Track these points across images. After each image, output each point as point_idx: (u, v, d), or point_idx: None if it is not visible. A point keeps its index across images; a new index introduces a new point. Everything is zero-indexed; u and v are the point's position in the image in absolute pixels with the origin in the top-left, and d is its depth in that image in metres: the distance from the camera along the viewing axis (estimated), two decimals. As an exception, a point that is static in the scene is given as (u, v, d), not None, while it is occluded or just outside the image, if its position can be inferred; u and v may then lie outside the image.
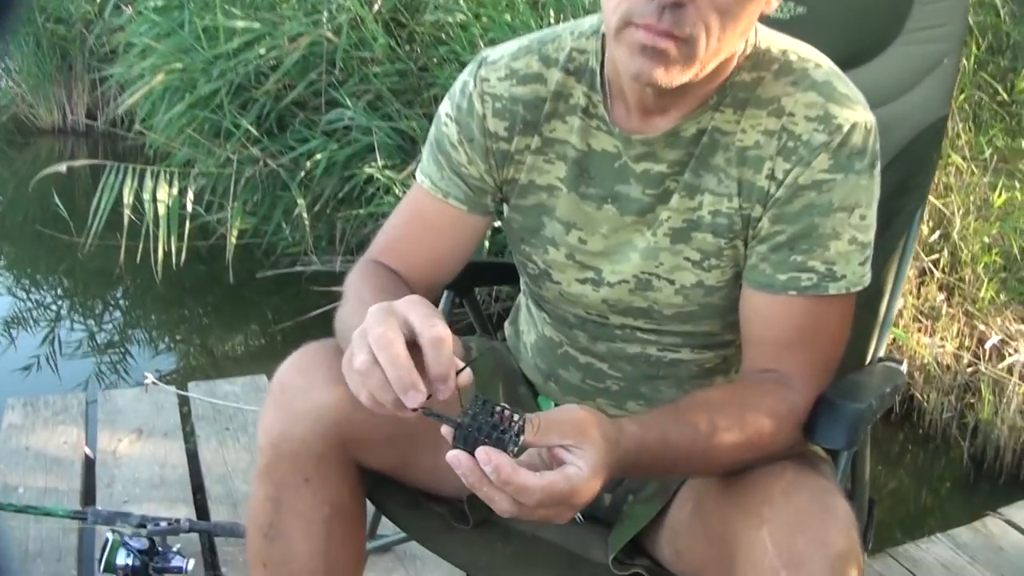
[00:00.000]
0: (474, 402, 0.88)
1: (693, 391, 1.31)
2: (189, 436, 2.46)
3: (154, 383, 2.65)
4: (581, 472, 0.88)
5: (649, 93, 1.11)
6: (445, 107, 1.27)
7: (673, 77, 1.03)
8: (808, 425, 1.13)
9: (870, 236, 1.15)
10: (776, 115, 1.12)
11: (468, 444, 0.86)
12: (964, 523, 2.90)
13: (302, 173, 3.82)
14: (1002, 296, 3.62)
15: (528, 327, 1.44)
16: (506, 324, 1.55)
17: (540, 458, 0.93)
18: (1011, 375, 3.72)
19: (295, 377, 1.20)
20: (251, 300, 4.10)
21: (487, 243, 3.10)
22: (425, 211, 1.28)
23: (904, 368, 1.46)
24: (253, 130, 3.95)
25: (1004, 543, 2.50)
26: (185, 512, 2.10)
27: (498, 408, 0.87)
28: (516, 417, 0.87)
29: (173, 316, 4.10)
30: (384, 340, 0.89)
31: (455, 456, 0.87)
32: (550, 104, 1.21)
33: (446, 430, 0.89)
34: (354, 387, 0.94)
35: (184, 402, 2.61)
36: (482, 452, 0.85)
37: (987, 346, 3.53)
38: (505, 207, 1.31)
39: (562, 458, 0.90)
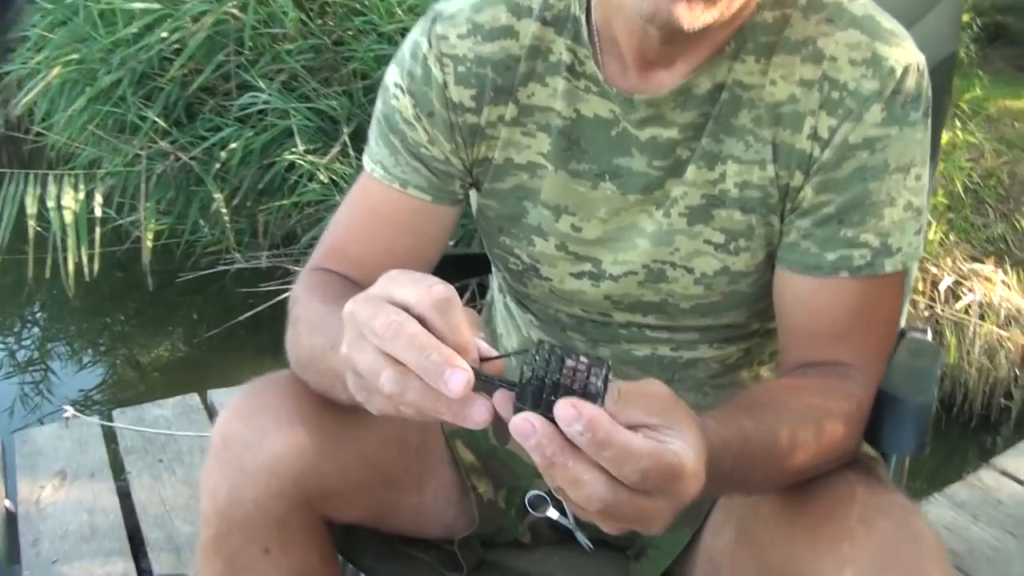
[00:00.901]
0: (536, 350, 0.64)
1: (714, 394, 1.12)
2: (119, 473, 2.23)
3: (75, 415, 2.39)
4: (688, 452, 0.65)
5: (653, 40, 0.90)
6: (393, 76, 1.05)
7: (697, 16, 0.82)
8: (870, 426, 0.94)
9: (924, 199, 0.96)
10: (813, 61, 0.92)
11: (536, 405, 0.63)
12: (950, 472, 2.80)
13: (217, 165, 3.55)
14: (951, 237, 3.54)
15: (508, 330, 1.22)
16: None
17: None
18: (970, 316, 3.64)
19: (240, 426, 0.97)
20: (175, 305, 3.83)
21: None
22: (379, 205, 1.06)
23: (929, 336, 1.28)
24: (161, 122, 3.68)
25: (1002, 496, 2.41)
26: (122, 567, 1.88)
27: (571, 356, 0.64)
28: (598, 367, 0.63)
29: (91, 332, 3.80)
30: (393, 331, 0.65)
31: (524, 420, 0.61)
32: (525, 63, 0.99)
33: (501, 398, 0.65)
34: (390, 411, 0.69)
35: (110, 434, 2.36)
36: (565, 405, 0.60)
37: (941, 288, 3.47)
38: (475, 193, 1.09)
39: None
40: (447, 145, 1.02)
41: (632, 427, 0.64)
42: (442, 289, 0.66)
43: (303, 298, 0.99)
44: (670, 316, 1.05)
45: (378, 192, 1.06)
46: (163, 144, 3.70)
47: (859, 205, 0.93)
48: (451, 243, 1.15)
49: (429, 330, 0.65)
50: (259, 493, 0.96)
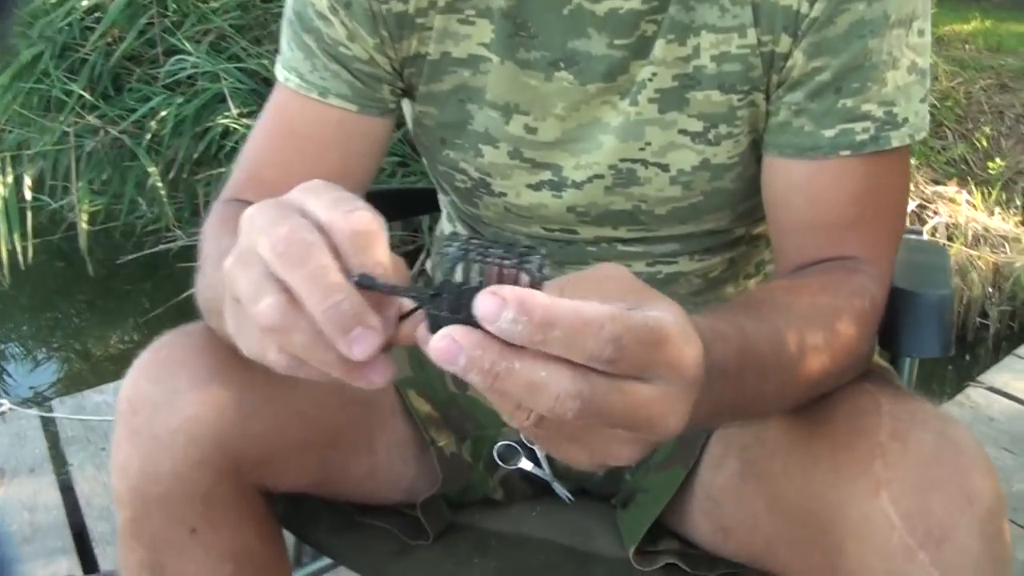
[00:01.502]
0: (449, 248, 0.50)
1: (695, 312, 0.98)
2: (61, 467, 2.07)
3: (11, 408, 2.22)
4: (666, 314, 0.49)
5: None
6: None
7: None
8: (884, 328, 0.80)
9: (927, 59, 0.82)
10: None
11: (456, 313, 0.48)
12: (934, 394, 2.72)
13: (148, 136, 3.34)
14: (912, 161, 3.45)
15: (461, 262, 1.07)
16: (428, 264, 1.18)
17: None
18: (937, 238, 3.55)
19: (148, 387, 0.82)
20: (120, 291, 3.65)
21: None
22: (297, 120, 0.90)
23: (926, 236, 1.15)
24: (87, 96, 3.47)
25: (993, 412, 2.33)
26: (67, 566, 1.72)
27: (495, 249, 0.49)
28: (530, 257, 0.49)
29: (30, 323, 3.60)
30: (296, 250, 0.50)
31: (442, 338, 0.46)
32: None
33: (411, 325, 0.51)
34: (260, 353, 0.53)
35: (50, 425, 2.19)
36: (484, 297, 0.45)
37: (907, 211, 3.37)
38: (409, 103, 0.94)
39: None
40: (370, 40, 0.86)
41: None
42: (368, 217, 0.50)
43: (212, 234, 0.83)
44: (644, 226, 0.91)
45: (295, 105, 0.90)
46: (91, 119, 3.50)
47: (858, 68, 0.79)
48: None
49: (344, 264, 0.50)
50: (176, 463, 0.81)
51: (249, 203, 0.89)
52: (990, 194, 4.00)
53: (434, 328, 0.48)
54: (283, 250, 0.49)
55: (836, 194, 0.82)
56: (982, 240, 3.70)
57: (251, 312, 0.50)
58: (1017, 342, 2.84)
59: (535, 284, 0.48)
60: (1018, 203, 3.96)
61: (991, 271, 3.52)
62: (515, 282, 0.47)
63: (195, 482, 0.82)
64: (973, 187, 4.02)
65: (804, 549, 0.76)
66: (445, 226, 1.12)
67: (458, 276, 0.48)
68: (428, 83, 0.88)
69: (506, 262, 0.48)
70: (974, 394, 2.38)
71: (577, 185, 0.89)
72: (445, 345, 0.46)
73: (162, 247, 3.47)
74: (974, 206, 3.94)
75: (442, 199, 1.08)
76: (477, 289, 0.46)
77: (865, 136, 0.80)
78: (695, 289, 0.97)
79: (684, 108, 0.84)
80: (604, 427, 0.48)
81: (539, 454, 1.02)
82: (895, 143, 0.81)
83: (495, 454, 1.00)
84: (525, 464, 1.00)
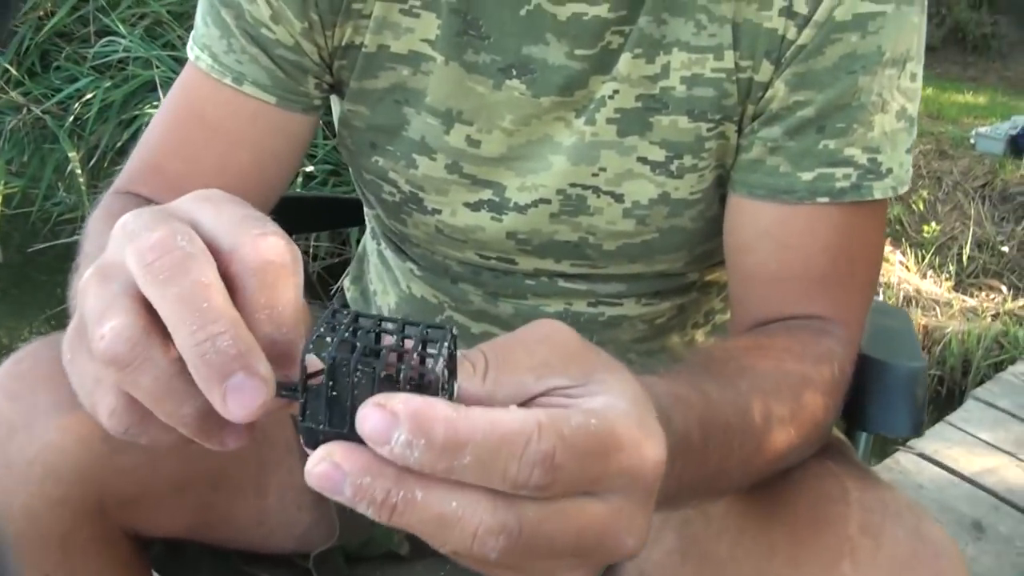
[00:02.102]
0: (328, 324, 0.39)
1: (640, 361, 0.89)
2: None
3: None
4: (616, 403, 0.39)
5: None
6: None
7: None
8: (851, 398, 0.72)
9: (916, 108, 0.74)
10: None
11: (340, 420, 0.37)
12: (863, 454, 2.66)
13: (71, 119, 3.18)
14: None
15: (385, 285, 0.97)
16: (346, 283, 1.07)
17: None
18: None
19: (3, 405, 0.70)
20: (34, 280, 3.44)
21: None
22: (207, 106, 0.79)
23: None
24: (12, 69, 3.27)
25: (923, 479, 2.27)
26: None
27: (388, 328, 0.39)
28: (435, 340, 0.38)
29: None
30: (169, 262, 0.38)
31: (323, 462, 0.36)
32: None
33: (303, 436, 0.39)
34: (89, 396, 0.41)
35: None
36: (366, 412, 0.35)
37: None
38: (337, 100, 0.83)
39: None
40: (297, 24, 0.75)
41: (526, 402, 0.39)
42: (281, 245, 0.40)
43: (94, 230, 0.72)
44: (590, 261, 0.81)
45: (206, 89, 0.78)
46: (14, 95, 3.32)
47: (845, 107, 0.71)
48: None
49: (241, 302, 0.39)
50: (31, 499, 0.69)
51: (144, 198, 0.78)
52: (923, 257, 4.02)
53: (310, 442, 0.37)
54: (152, 260, 0.38)
55: (808, 244, 0.73)
56: (913, 302, 3.70)
57: (90, 336, 0.38)
58: (946, 409, 2.81)
59: (445, 368, 0.37)
60: (951, 268, 3.98)
61: (921, 334, 3.51)
62: (421, 376, 0.37)
63: (52, 522, 0.70)
64: (907, 248, 4.04)
65: None
66: (368, 244, 1.01)
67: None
68: (360, 79, 0.78)
69: (405, 344, 0.38)
70: (904, 459, 2.33)
71: (520, 209, 0.78)
72: (323, 471, 0.35)
73: (78, 237, 3.30)
74: (907, 267, 3.96)
75: (367, 213, 0.97)
76: (369, 384, 0.36)
77: (846, 184, 0.72)
78: (639, 335, 0.88)
79: (646, 133, 0.74)
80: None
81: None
82: (877, 194, 0.73)
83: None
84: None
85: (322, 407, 0.37)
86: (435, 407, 0.35)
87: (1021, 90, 6.69)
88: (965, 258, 4.02)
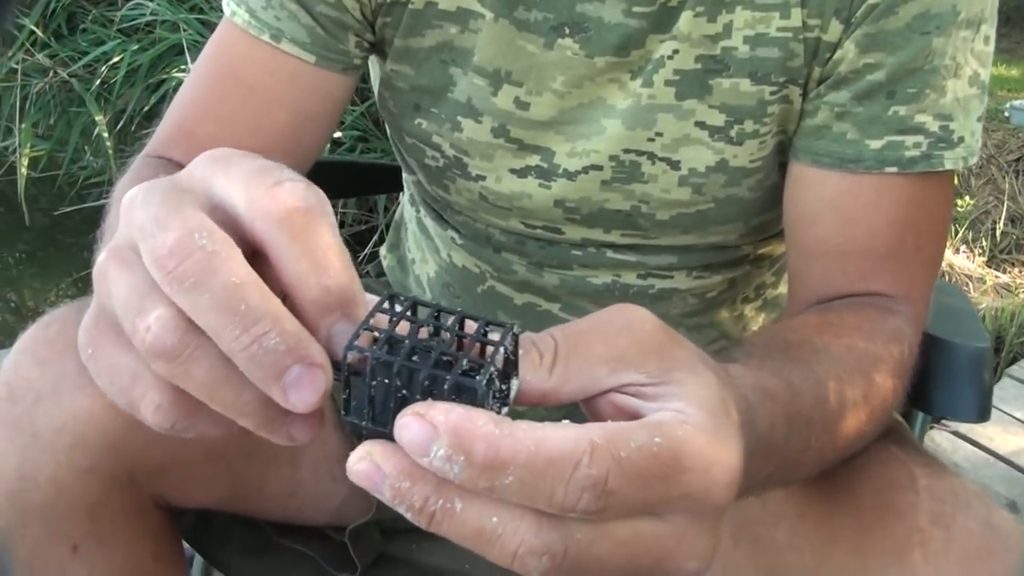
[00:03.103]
0: (383, 307, 0.37)
1: (688, 337, 0.85)
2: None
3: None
4: (692, 414, 0.36)
5: None
6: None
7: None
8: (916, 379, 0.68)
9: (989, 72, 0.70)
10: None
11: (384, 417, 0.34)
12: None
13: (98, 82, 3.15)
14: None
15: (424, 253, 0.94)
16: (382, 251, 1.04)
17: None
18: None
19: (32, 372, 0.67)
20: (60, 243, 3.43)
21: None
22: (243, 66, 0.75)
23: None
24: (39, 32, 3.24)
25: (958, 458, 2.23)
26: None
27: (449, 321, 0.36)
28: (497, 334, 0.36)
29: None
30: (191, 267, 0.34)
31: (363, 461, 0.34)
32: None
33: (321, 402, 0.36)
34: (129, 392, 0.37)
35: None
36: (404, 421, 0.33)
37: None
38: (377, 60, 0.79)
39: (635, 409, 0.38)
40: None
41: (593, 397, 0.37)
42: (301, 189, 0.36)
43: (120, 198, 0.69)
44: (642, 232, 0.78)
45: (242, 47, 0.75)
46: (41, 57, 3.30)
47: (917, 71, 0.67)
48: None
49: (270, 264, 0.36)
50: (59, 468, 0.67)
51: (175, 163, 0.75)
52: (956, 232, 3.95)
53: (355, 434, 0.35)
54: (174, 267, 0.34)
55: (874, 216, 0.69)
56: (946, 277, 3.64)
57: (130, 329, 0.35)
58: (982, 386, 2.76)
59: (506, 367, 0.34)
60: (984, 244, 3.91)
61: (954, 310, 3.45)
62: (467, 373, 0.34)
63: (80, 492, 0.67)
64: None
65: None
66: (407, 211, 0.98)
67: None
68: (406, 37, 0.74)
69: (467, 338, 0.35)
70: (939, 437, 2.29)
71: (569, 175, 0.75)
72: (363, 470, 0.33)
73: (104, 201, 3.29)
74: (940, 243, 3.89)
75: (406, 179, 0.93)
76: (417, 382, 0.34)
77: (916, 152, 0.68)
78: (689, 309, 0.85)
79: (706, 96, 0.71)
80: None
81: None
82: (947, 164, 0.69)
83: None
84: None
85: (365, 403, 0.34)
86: (476, 422, 0.32)
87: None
88: (998, 233, 3.95)
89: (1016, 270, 3.77)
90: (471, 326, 0.35)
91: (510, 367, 0.35)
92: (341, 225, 2.85)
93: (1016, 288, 3.56)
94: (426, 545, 0.87)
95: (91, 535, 0.70)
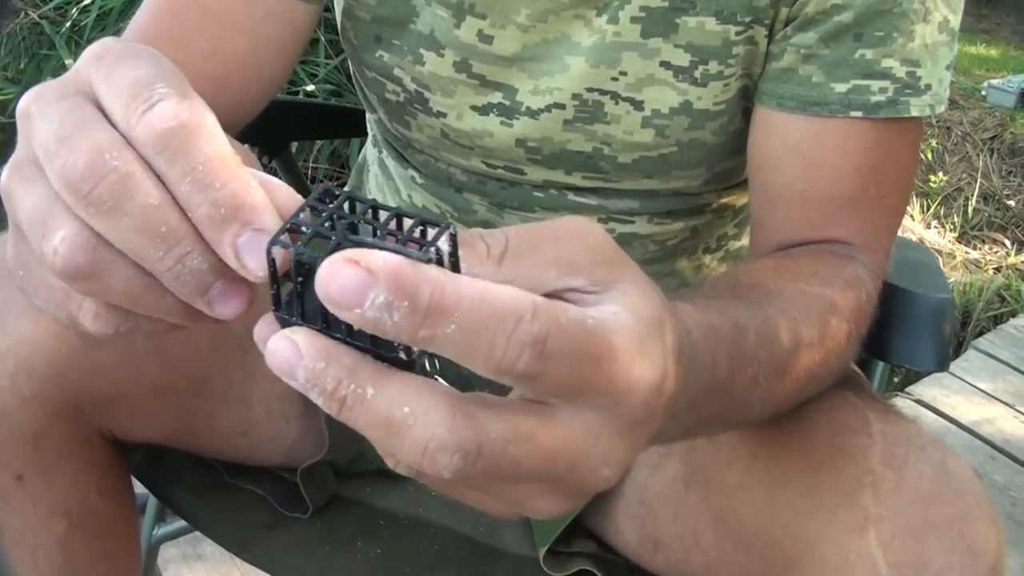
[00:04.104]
0: (317, 201, 0.35)
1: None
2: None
3: None
4: (623, 316, 0.35)
5: None
6: None
7: None
8: (875, 328, 0.68)
9: (959, 20, 0.69)
10: None
11: (305, 315, 0.33)
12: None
13: (68, 24, 3.08)
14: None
15: (385, 195, 0.92)
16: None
17: None
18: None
19: None
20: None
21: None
22: None
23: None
24: (5, -25, 3.16)
25: (921, 426, 2.23)
26: None
27: (379, 216, 0.35)
28: (432, 228, 0.34)
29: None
30: (107, 190, 0.33)
31: (280, 341, 0.32)
32: None
33: (262, 325, 0.34)
34: (68, 312, 0.37)
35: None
36: (340, 267, 0.30)
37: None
38: None
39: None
40: None
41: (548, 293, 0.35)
42: (170, 108, 0.34)
43: None
44: (604, 175, 0.77)
45: None
46: None
47: (885, 14, 0.66)
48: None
49: (165, 185, 0.35)
50: (3, 394, 0.65)
51: None
52: (928, 207, 3.97)
53: (283, 321, 0.34)
54: (88, 190, 0.33)
55: (838, 161, 0.69)
56: (916, 252, 3.66)
57: (39, 252, 0.34)
58: (946, 358, 2.78)
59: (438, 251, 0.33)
60: (955, 220, 3.94)
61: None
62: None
63: (23, 420, 0.66)
64: (913, 197, 3.98)
65: None
66: (369, 153, 0.97)
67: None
68: None
69: (395, 231, 0.34)
70: (901, 404, 2.31)
71: (532, 114, 0.74)
72: (280, 349, 0.32)
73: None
74: (911, 217, 3.91)
75: (369, 119, 0.92)
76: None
77: (881, 98, 0.67)
78: (649, 256, 0.84)
79: (671, 35, 0.69)
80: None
81: None
82: (913, 111, 0.68)
83: None
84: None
85: (294, 299, 0.33)
86: (420, 268, 0.31)
87: (1034, 44, 6.58)
88: (970, 210, 3.97)
89: (986, 247, 3.79)
90: (407, 224, 0.34)
91: (448, 267, 0.34)
92: (312, 180, 2.82)
93: (985, 264, 3.59)
94: (380, 488, 0.87)
95: (35, 465, 0.68)
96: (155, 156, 0.34)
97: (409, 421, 0.31)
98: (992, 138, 4.46)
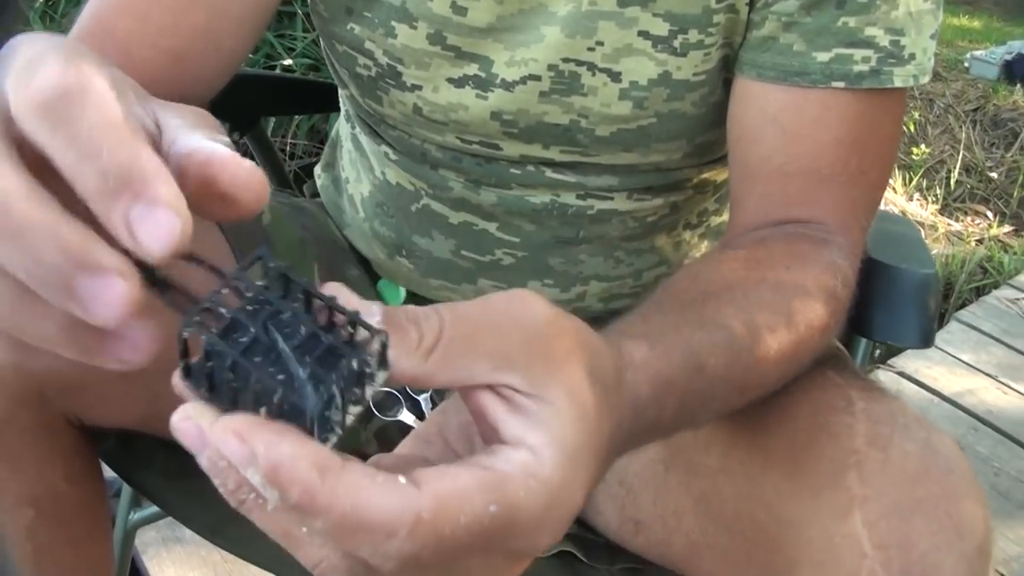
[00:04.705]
0: (244, 269, 0.33)
1: (627, 260, 0.83)
2: None
3: None
4: (537, 469, 0.34)
5: None
6: None
7: None
8: (857, 303, 0.66)
9: None
10: None
11: (220, 388, 0.32)
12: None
13: (41, 0, 3.03)
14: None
15: (358, 172, 0.90)
16: (317, 170, 1.00)
17: (438, 433, 0.45)
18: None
19: None
20: None
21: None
22: None
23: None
24: (-26, -49, 3.10)
25: (902, 398, 2.23)
26: None
27: (303, 306, 0.33)
28: (364, 344, 0.33)
29: None
30: None
31: (186, 421, 0.32)
32: None
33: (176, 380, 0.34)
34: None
35: None
36: (225, 433, 0.31)
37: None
38: None
39: (498, 429, 0.36)
40: None
41: (472, 387, 0.36)
42: (54, 74, 0.31)
43: None
44: (581, 149, 0.75)
45: None
46: (-21, -24, 3.15)
47: None
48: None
49: (45, 156, 0.31)
50: None
51: None
52: (911, 179, 3.97)
53: (188, 375, 0.33)
54: None
55: (819, 133, 0.67)
56: (899, 224, 3.66)
57: None
58: (928, 330, 2.78)
59: (372, 361, 0.33)
60: (938, 192, 3.94)
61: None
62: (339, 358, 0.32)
63: None
64: (895, 169, 3.98)
65: (738, 563, 0.62)
66: (342, 129, 0.94)
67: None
68: None
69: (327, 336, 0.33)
70: (884, 377, 2.30)
71: (507, 86, 0.72)
72: (186, 431, 0.32)
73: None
74: (894, 189, 3.90)
75: (341, 94, 0.90)
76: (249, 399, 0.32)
77: (864, 67, 0.65)
78: (629, 233, 0.82)
79: (649, 4, 0.67)
80: None
81: (424, 406, 0.86)
82: (897, 82, 0.66)
83: (371, 402, 0.83)
84: (406, 416, 0.85)
85: (202, 375, 0.32)
86: (297, 465, 0.30)
87: (1016, 17, 6.57)
88: (953, 182, 3.97)
89: (968, 219, 3.80)
90: (339, 319, 0.33)
91: (372, 366, 0.33)
92: (290, 157, 2.79)
93: (967, 236, 3.60)
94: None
95: (2, 451, 0.67)
96: (37, 130, 0.30)
97: (305, 540, 0.32)
98: (975, 110, 4.46)
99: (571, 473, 0.35)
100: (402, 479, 0.32)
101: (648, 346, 0.45)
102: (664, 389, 0.45)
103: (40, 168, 0.31)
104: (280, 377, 0.31)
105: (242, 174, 0.32)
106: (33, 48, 0.32)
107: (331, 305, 0.33)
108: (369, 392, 0.33)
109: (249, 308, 0.32)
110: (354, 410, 0.33)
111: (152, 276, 0.32)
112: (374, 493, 0.31)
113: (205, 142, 0.33)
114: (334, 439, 0.32)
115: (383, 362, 0.33)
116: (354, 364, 0.32)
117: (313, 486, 0.30)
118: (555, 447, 0.35)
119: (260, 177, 0.33)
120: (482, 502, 0.33)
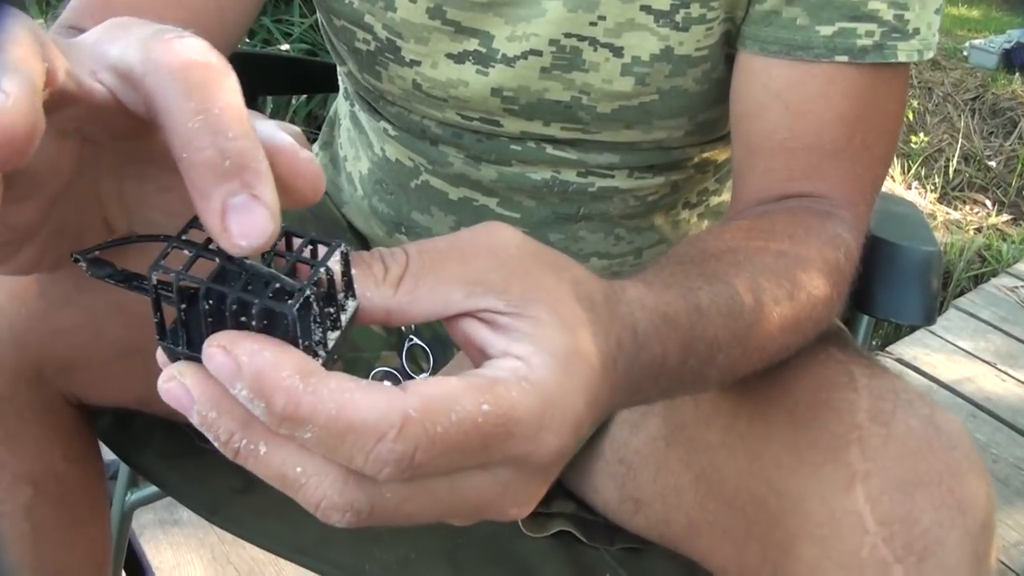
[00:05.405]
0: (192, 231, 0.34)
1: (628, 238, 0.83)
2: None
3: None
4: (528, 372, 0.34)
5: None
6: None
7: None
8: (859, 281, 0.66)
9: None
10: None
11: (199, 340, 0.32)
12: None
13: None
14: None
15: (357, 150, 0.89)
16: (315, 148, 1.00)
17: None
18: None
19: None
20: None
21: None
22: None
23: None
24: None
25: (906, 381, 2.23)
26: None
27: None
28: (326, 254, 0.33)
29: None
30: None
31: (171, 381, 0.32)
32: None
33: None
34: None
35: None
36: (211, 348, 0.31)
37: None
38: None
39: (485, 349, 0.36)
40: None
41: (450, 318, 0.36)
42: (202, 46, 0.32)
43: None
44: (582, 125, 0.75)
45: None
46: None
47: None
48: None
49: (167, 116, 0.31)
50: None
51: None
52: (909, 168, 3.96)
53: (172, 358, 0.33)
54: None
55: (822, 109, 0.66)
56: (898, 211, 3.65)
57: None
58: (927, 317, 2.78)
59: (338, 290, 0.33)
60: (936, 180, 3.93)
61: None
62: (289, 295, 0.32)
63: None
64: (894, 158, 3.97)
65: (738, 540, 0.61)
66: (341, 107, 0.94)
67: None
68: None
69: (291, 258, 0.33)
70: (885, 363, 2.31)
71: (508, 61, 0.71)
72: (173, 390, 0.32)
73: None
74: (892, 178, 3.90)
75: (340, 72, 0.89)
76: (242, 306, 0.32)
77: (868, 41, 0.65)
78: (629, 211, 0.82)
79: None
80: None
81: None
82: (901, 57, 0.66)
83: (349, 332, 0.83)
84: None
85: (178, 327, 0.32)
86: (280, 371, 0.30)
87: (1015, 6, 6.57)
88: (951, 171, 3.97)
89: (967, 207, 3.80)
90: (297, 243, 0.33)
91: (340, 288, 0.33)
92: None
93: (966, 224, 3.59)
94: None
95: None
96: (167, 83, 0.31)
97: (301, 480, 0.32)
98: (974, 99, 4.46)
99: (563, 376, 0.34)
100: (387, 388, 0.32)
101: (644, 285, 0.44)
102: (664, 323, 0.44)
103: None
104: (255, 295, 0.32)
105: (300, 165, 0.33)
106: (154, 24, 0.33)
107: (288, 232, 0.33)
108: (344, 318, 0.33)
109: (212, 247, 0.33)
110: (332, 335, 0.33)
111: (117, 272, 0.34)
112: (359, 395, 0.31)
113: (273, 130, 0.33)
114: (318, 362, 0.32)
115: (350, 287, 0.33)
116: (321, 272, 0.32)
117: (296, 391, 0.30)
118: (543, 353, 0.34)
119: (317, 168, 0.33)
120: (472, 401, 0.32)
